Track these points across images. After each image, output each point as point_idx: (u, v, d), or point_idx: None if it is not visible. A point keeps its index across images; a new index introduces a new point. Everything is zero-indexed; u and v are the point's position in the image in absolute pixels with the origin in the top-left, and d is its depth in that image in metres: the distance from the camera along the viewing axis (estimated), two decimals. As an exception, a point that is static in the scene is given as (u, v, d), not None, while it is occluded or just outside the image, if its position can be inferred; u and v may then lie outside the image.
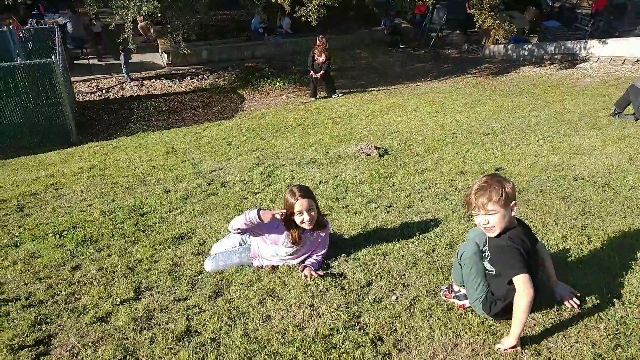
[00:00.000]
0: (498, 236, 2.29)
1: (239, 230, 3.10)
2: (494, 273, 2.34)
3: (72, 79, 12.35)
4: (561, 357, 2.08)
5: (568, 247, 3.01)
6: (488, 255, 2.36)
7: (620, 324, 2.24)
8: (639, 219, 3.32)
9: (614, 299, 2.43)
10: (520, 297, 2.11)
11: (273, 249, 3.17)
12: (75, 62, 13.57)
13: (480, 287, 2.38)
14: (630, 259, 2.80)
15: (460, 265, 2.44)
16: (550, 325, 2.30)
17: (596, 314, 2.33)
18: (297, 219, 3.03)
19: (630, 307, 2.36)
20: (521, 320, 2.11)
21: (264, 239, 3.18)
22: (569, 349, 2.12)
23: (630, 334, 2.17)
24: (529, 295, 2.09)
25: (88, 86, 12.65)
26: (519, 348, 2.14)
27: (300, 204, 3.00)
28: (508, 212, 2.23)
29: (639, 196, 3.75)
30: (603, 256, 2.86)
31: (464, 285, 2.48)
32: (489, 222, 2.23)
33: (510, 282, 2.22)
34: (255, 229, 3.13)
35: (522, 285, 2.11)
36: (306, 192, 3.07)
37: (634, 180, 4.09)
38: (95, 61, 13.85)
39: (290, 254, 3.17)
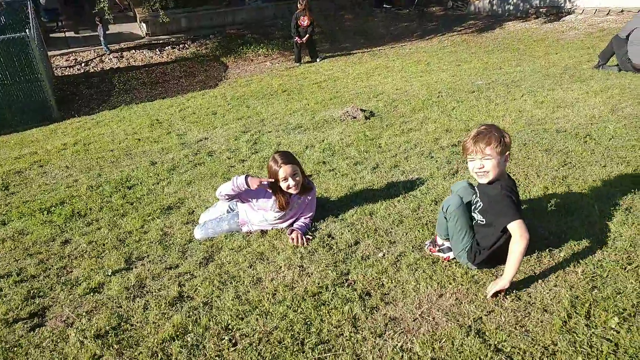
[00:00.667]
0: (490, 184, 2.32)
1: (227, 196, 3.12)
2: (483, 223, 2.38)
3: (49, 53, 12.02)
4: (540, 301, 2.17)
5: (549, 197, 3.08)
6: (480, 206, 2.39)
7: (597, 267, 2.32)
8: (619, 167, 3.38)
9: (592, 244, 2.51)
10: (517, 242, 2.15)
11: (261, 215, 3.21)
12: (51, 35, 13.18)
13: (466, 238, 2.43)
14: (609, 205, 2.88)
15: (445, 218, 2.48)
16: (531, 271, 2.38)
17: (575, 259, 2.41)
18: (283, 185, 3.05)
19: (607, 251, 2.44)
20: (516, 264, 2.16)
21: (252, 206, 3.20)
22: (547, 293, 2.21)
23: (607, 276, 2.26)
24: (526, 239, 2.14)
25: (66, 60, 12.33)
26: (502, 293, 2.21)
27: (284, 171, 3.01)
28: (502, 161, 2.27)
29: (619, 145, 3.80)
30: (583, 204, 2.93)
31: (448, 239, 2.54)
32: (483, 167, 2.25)
33: (504, 231, 2.26)
34: (243, 195, 3.16)
35: (519, 230, 2.16)
36: (289, 158, 3.08)
37: (615, 129, 4.15)
38: (72, 34, 13.46)
39: (279, 219, 3.21)
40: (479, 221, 2.42)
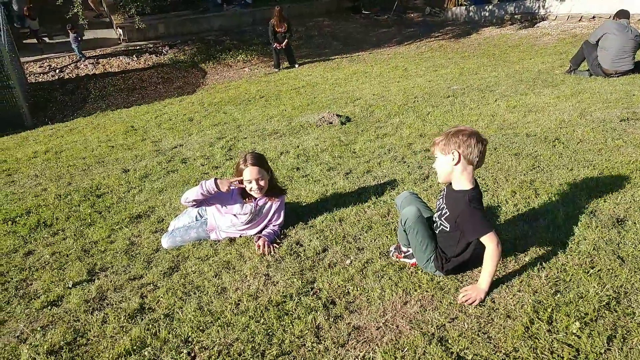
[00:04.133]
0: (455, 191, 2.26)
1: (194, 202, 3.06)
2: (447, 230, 2.33)
3: (22, 59, 11.77)
4: (504, 307, 2.15)
5: (516, 202, 3.08)
6: (446, 214, 2.32)
7: (561, 271, 2.32)
8: (585, 170, 3.41)
9: (556, 248, 2.51)
10: (491, 254, 2.16)
11: (229, 220, 3.15)
12: (24, 41, 12.92)
13: (429, 248, 2.40)
14: (574, 208, 2.89)
15: (405, 231, 2.45)
16: (495, 276, 2.36)
17: (539, 263, 2.40)
18: (247, 186, 3.03)
19: (570, 255, 2.44)
20: (492, 274, 2.19)
21: (219, 209, 3.16)
22: (511, 298, 2.19)
23: (570, 280, 2.26)
24: (499, 250, 2.16)
25: (40, 66, 12.09)
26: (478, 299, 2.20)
27: (249, 172, 2.99)
28: (451, 163, 2.20)
29: (587, 149, 3.85)
30: (549, 208, 2.94)
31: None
32: (438, 157, 2.26)
33: (469, 242, 2.26)
34: (211, 200, 3.11)
35: (493, 242, 2.15)
36: (257, 160, 3.04)
37: (583, 133, 4.20)
38: (46, 39, 13.20)
39: (246, 224, 3.15)
40: (443, 228, 2.36)
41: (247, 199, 3.14)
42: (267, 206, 3.18)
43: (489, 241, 2.17)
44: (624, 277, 2.22)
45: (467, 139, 2.17)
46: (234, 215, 3.14)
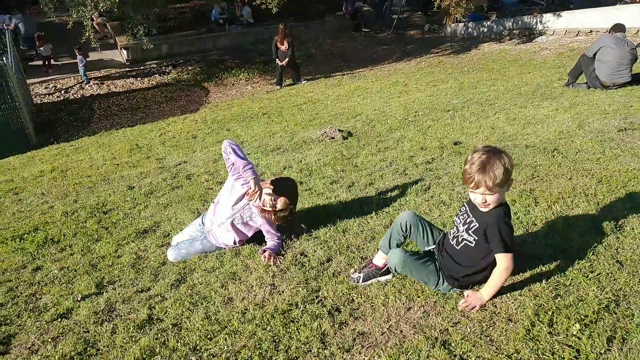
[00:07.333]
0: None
1: (229, 157, 3.24)
2: (472, 244, 2.27)
3: (28, 80, 11.99)
4: (505, 311, 2.19)
5: (516, 210, 3.13)
6: (474, 226, 2.26)
7: (561, 276, 2.36)
8: (584, 179, 3.47)
9: (556, 254, 2.56)
10: (500, 272, 2.18)
11: (212, 210, 3.34)
12: (29, 63, 13.16)
13: (432, 275, 2.38)
14: (573, 215, 2.94)
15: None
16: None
17: (540, 268, 2.45)
18: (265, 197, 3.11)
19: (570, 259, 2.48)
20: (497, 287, 2.22)
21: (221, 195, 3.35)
22: (512, 302, 2.24)
23: (569, 284, 2.30)
24: (510, 271, 2.19)
25: (45, 87, 12.29)
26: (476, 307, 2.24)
27: (283, 201, 3.13)
28: (505, 190, 2.17)
29: (585, 158, 3.91)
30: (548, 216, 2.99)
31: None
32: (486, 201, 2.15)
33: (489, 254, 2.24)
34: (233, 172, 3.29)
35: (508, 262, 2.16)
36: (293, 200, 3.23)
37: (581, 144, 4.26)
38: (52, 61, 13.44)
39: (219, 214, 3.29)
40: (467, 243, 2.30)
41: (250, 199, 3.21)
42: (256, 218, 3.25)
43: (504, 261, 2.16)
44: (623, 280, 2.26)
45: (510, 159, 2.12)
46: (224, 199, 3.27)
